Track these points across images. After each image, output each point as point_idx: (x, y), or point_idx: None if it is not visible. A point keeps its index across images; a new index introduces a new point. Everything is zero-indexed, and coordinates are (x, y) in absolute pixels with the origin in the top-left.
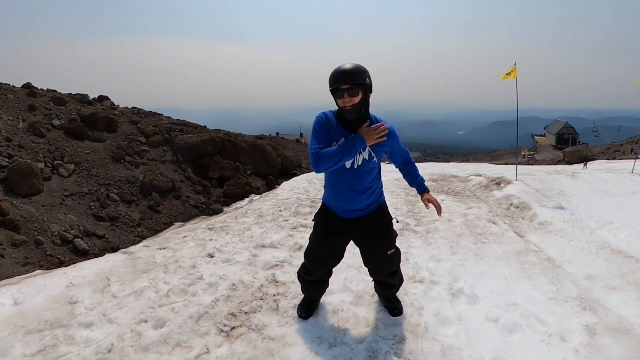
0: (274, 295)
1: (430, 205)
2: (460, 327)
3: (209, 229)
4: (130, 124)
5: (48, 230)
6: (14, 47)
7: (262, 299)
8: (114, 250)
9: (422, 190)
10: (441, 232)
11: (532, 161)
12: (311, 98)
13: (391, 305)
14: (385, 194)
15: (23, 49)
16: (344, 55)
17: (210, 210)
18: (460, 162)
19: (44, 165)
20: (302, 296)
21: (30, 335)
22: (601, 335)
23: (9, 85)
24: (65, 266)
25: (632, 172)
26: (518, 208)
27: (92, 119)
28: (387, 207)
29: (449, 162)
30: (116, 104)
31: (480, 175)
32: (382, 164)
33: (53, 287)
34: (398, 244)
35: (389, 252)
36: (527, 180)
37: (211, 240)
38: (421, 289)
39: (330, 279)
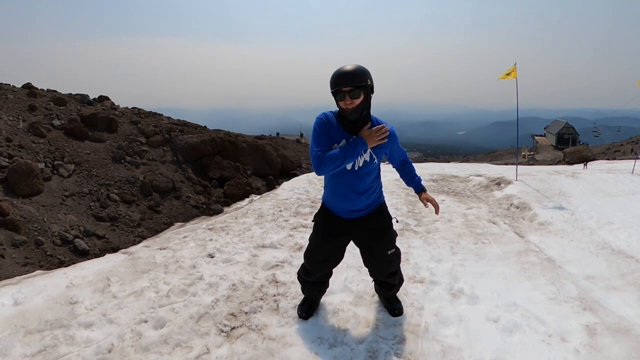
0: (274, 295)
1: (429, 204)
2: (460, 327)
3: (209, 229)
4: (130, 124)
5: (48, 230)
6: (14, 47)
7: (262, 299)
8: (114, 250)
9: (420, 189)
10: (441, 232)
11: (532, 161)
12: (311, 98)
13: (391, 305)
14: (385, 194)
15: (23, 49)
16: (344, 55)
17: (210, 210)
18: (460, 162)
19: (44, 165)
20: (302, 296)
21: (30, 335)
22: (601, 335)
23: (9, 85)
24: (65, 266)
25: (632, 172)
26: (518, 208)
27: (92, 119)
28: (386, 207)
29: (449, 162)
30: (116, 104)
31: (480, 175)
32: (381, 163)
33: (53, 287)
34: (398, 244)
35: (389, 252)
36: (527, 180)
37: (211, 240)
38: (421, 289)
39: (330, 279)
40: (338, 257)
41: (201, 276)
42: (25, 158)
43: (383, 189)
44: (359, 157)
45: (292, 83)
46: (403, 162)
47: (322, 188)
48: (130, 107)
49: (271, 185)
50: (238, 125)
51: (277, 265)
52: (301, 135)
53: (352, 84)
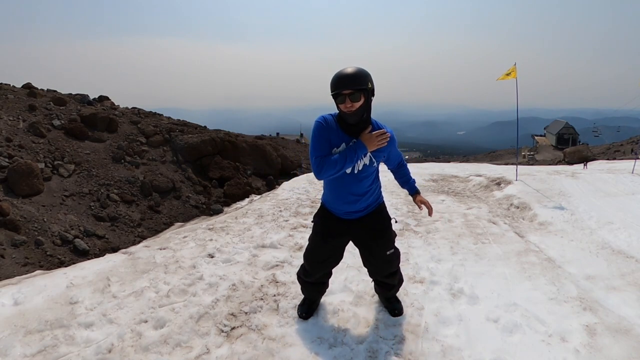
0: (274, 295)
1: (423, 206)
2: (460, 327)
3: (209, 229)
4: (130, 124)
5: (48, 230)
6: (14, 47)
7: (262, 299)
8: (114, 250)
9: (414, 191)
10: (441, 232)
11: (532, 161)
12: (311, 98)
13: (391, 305)
14: (385, 194)
15: (23, 49)
16: (344, 56)
17: (210, 210)
18: (460, 162)
19: (44, 165)
20: (302, 296)
21: (30, 335)
22: (601, 335)
23: (9, 85)
24: (65, 266)
25: (632, 172)
26: (518, 208)
27: (92, 119)
28: (385, 207)
29: (449, 162)
30: (116, 104)
31: (480, 175)
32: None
33: (53, 287)
34: (398, 243)
35: (388, 253)
36: (527, 180)
37: (211, 240)
38: (421, 289)
39: (330, 279)
40: (337, 257)
41: (201, 276)
42: (25, 158)
43: (383, 189)
44: (359, 161)
45: (292, 83)
46: (399, 165)
47: (322, 188)
48: (130, 107)
49: (271, 185)
50: (238, 125)
51: (277, 265)
52: (301, 135)
53: (352, 86)
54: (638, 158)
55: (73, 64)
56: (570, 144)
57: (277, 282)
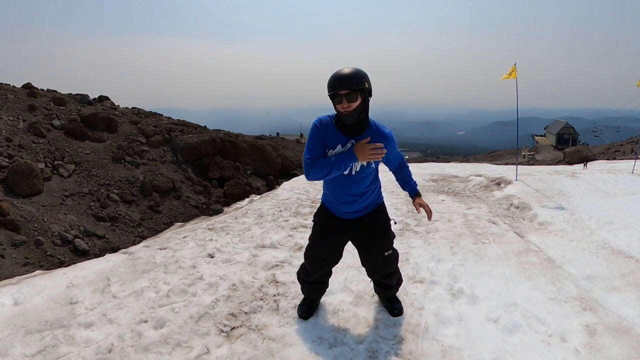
0: (274, 295)
1: (421, 209)
2: (460, 327)
3: (209, 229)
4: (130, 124)
5: (48, 230)
6: (14, 47)
7: (262, 299)
8: (114, 250)
9: (414, 194)
10: (441, 232)
11: (532, 161)
12: (311, 98)
13: (391, 305)
14: (385, 194)
15: (23, 49)
16: (343, 55)
17: (210, 210)
18: (460, 162)
19: (44, 165)
20: (302, 296)
21: (30, 335)
22: (601, 335)
23: (9, 85)
24: (65, 266)
25: (632, 172)
26: (518, 208)
27: (92, 119)
28: (385, 208)
29: (449, 162)
30: (116, 104)
31: (480, 175)
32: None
33: (53, 287)
34: (398, 244)
35: (386, 253)
36: (527, 180)
37: (211, 240)
38: (421, 289)
39: (330, 279)
40: (337, 256)
41: (201, 276)
42: (25, 158)
43: (383, 189)
44: (356, 163)
45: (292, 83)
46: (400, 166)
47: (322, 188)
48: (130, 107)
49: (271, 185)
50: (238, 125)
51: (277, 265)
52: (301, 135)
53: (349, 87)
54: (638, 158)
55: (73, 64)
56: (570, 144)
57: (277, 282)
